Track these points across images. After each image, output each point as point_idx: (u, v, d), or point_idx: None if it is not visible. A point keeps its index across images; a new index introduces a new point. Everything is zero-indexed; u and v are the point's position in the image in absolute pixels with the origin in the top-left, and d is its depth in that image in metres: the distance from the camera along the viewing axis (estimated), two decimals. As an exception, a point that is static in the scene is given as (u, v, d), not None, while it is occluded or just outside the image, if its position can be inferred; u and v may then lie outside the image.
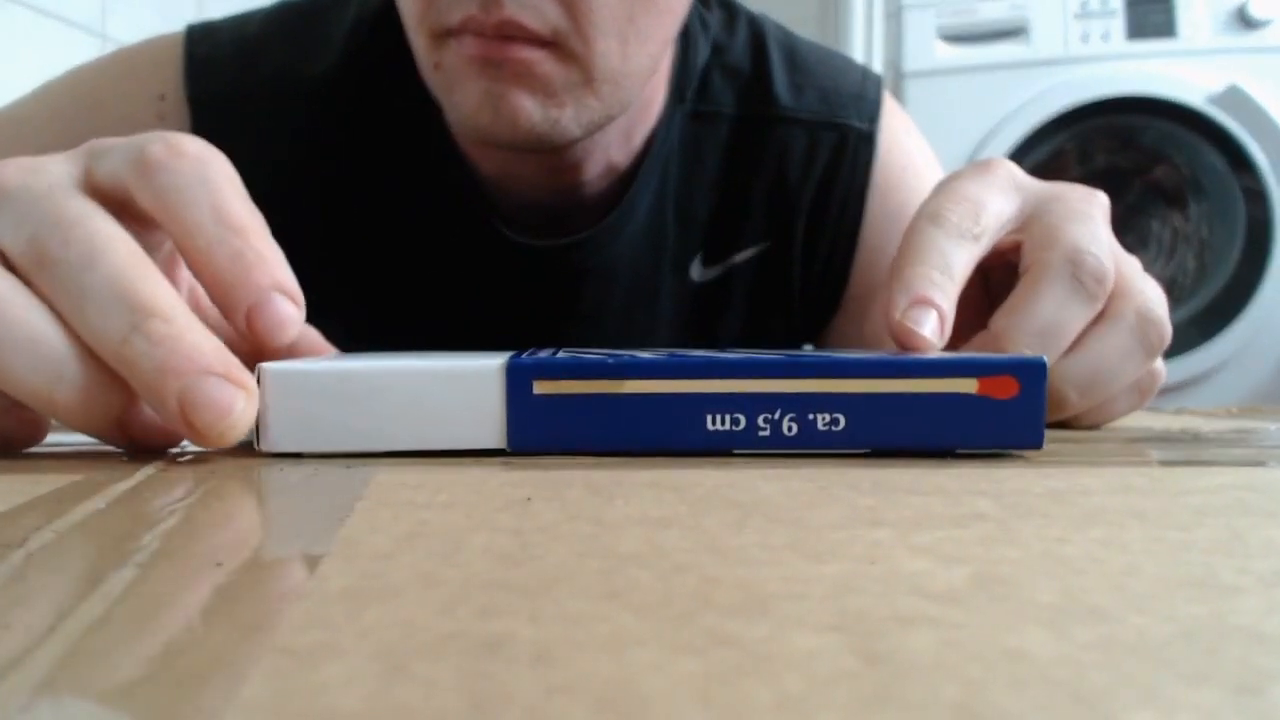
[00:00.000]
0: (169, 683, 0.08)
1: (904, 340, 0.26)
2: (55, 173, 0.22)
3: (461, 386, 0.22)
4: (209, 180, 0.22)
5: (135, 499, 0.16)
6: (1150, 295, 0.29)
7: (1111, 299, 0.28)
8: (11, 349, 0.20)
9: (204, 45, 0.49)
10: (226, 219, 0.21)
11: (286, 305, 0.21)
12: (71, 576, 0.11)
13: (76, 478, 0.18)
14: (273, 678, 0.08)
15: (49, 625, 0.09)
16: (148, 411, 0.21)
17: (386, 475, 0.18)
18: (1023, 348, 0.27)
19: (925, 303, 0.26)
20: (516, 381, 0.22)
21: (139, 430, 0.21)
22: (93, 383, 0.20)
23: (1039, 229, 0.29)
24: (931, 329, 0.26)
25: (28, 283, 0.21)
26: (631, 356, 0.23)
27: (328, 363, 0.22)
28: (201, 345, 0.20)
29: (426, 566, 0.12)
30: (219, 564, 0.12)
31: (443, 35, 0.38)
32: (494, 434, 0.22)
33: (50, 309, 0.20)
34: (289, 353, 0.23)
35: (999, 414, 0.22)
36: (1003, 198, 0.29)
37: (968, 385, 0.23)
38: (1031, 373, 0.22)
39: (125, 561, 0.12)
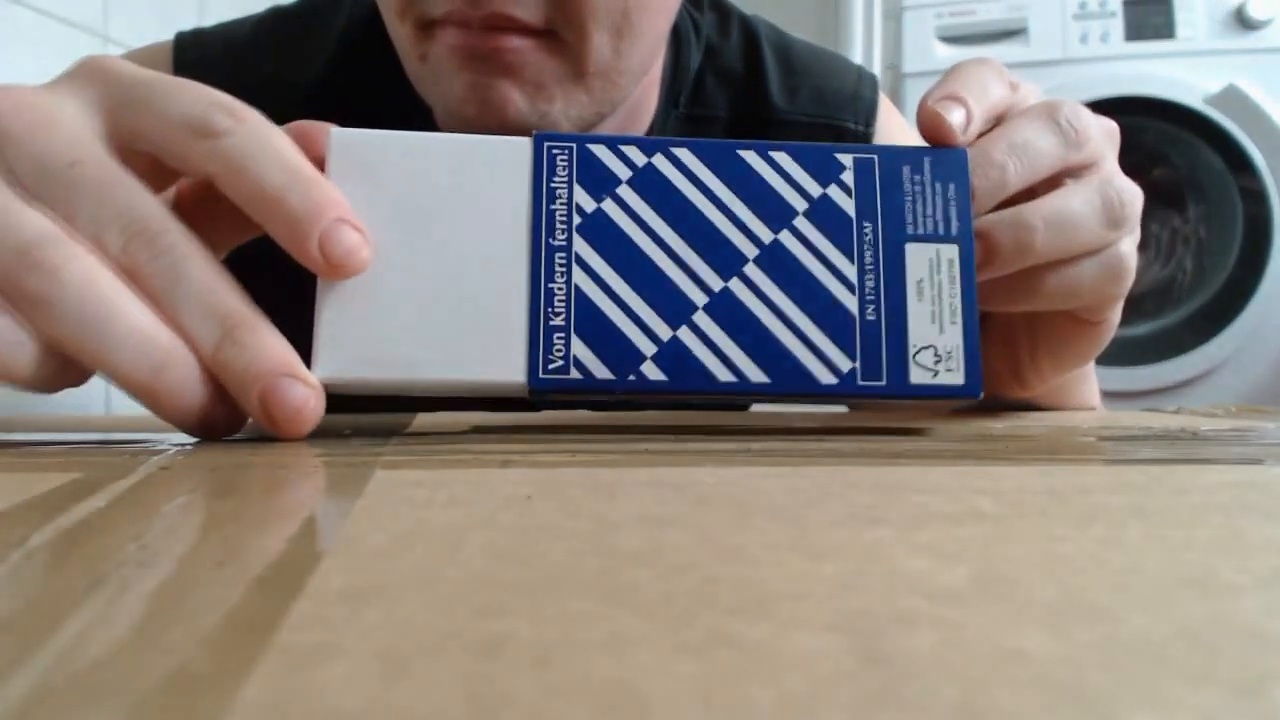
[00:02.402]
0: (169, 683, 0.08)
1: (930, 123, 0.28)
2: (78, 132, 0.23)
3: (490, 388, 0.26)
4: (272, 140, 0.24)
5: (136, 498, 0.16)
6: (1119, 176, 0.31)
7: (1083, 171, 0.30)
8: (121, 341, 0.22)
9: (193, 51, 0.49)
10: (294, 170, 0.24)
11: (354, 234, 0.24)
12: (71, 575, 0.11)
13: (77, 476, 0.18)
14: (273, 678, 0.08)
15: (49, 625, 0.09)
16: (223, 404, 0.24)
17: (386, 474, 0.18)
18: (998, 155, 0.28)
19: (957, 98, 0.28)
20: (539, 392, 0.26)
21: (215, 419, 0.24)
22: (190, 376, 0.23)
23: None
24: (958, 120, 0.28)
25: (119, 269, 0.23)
26: (637, 379, 0.26)
27: (368, 367, 0.25)
28: (280, 350, 0.23)
29: (426, 565, 0.12)
30: (220, 563, 0.12)
31: (427, 25, 0.38)
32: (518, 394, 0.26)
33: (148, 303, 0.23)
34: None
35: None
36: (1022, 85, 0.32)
37: (934, 404, 0.29)
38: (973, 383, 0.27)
39: (125, 561, 0.12)
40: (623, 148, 0.26)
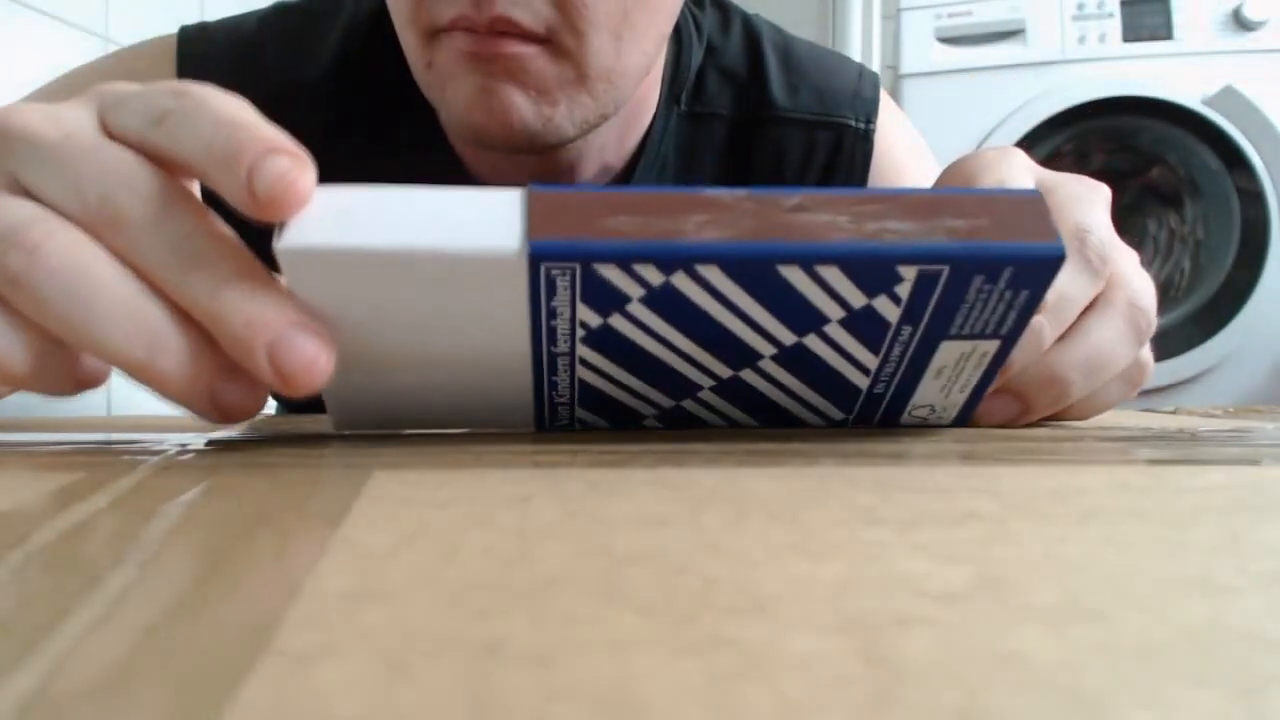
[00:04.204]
0: (167, 685, 0.08)
1: None
2: (77, 120, 0.22)
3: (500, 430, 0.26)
4: (208, 102, 0.22)
5: (136, 498, 0.16)
6: (1139, 285, 0.30)
7: (1105, 286, 0.29)
8: (110, 320, 0.20)
9: (197, 46, 0.49)
10: (222, 119, 0.21)
11: (283, 159, 0.21)
12: (71, 576, 0.11)
13: (77, 476, 0.18)
14: (271, 680, 0.08)
15: (48, 625, 0.09)
16: (234, 381, 0.22)
17: (385, 474, 0.18)
18: (1034, 317, 0.27)
19: None
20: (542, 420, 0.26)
21: (228, 399, 0.22)
22: (190, 350, 0.21)
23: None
24: None
25: (98, 240, 0.21)
26: (635, 427, 0.26)
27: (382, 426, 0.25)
28: (282, 301, 0.21)
29: (426, 566, 0.12)
30: (217, 564, 0.12)
31: (434, 33, 0.38)
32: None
33: (133, 272, 0.21)
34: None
35: None
36: (1028, 181, 0.31)
37: None
38: None
39: (125, 561, 0.12)
40: (637, 267, 0.21)
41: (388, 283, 0.21)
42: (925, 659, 0.09)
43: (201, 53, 0.49)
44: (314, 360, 0.21)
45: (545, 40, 0.38)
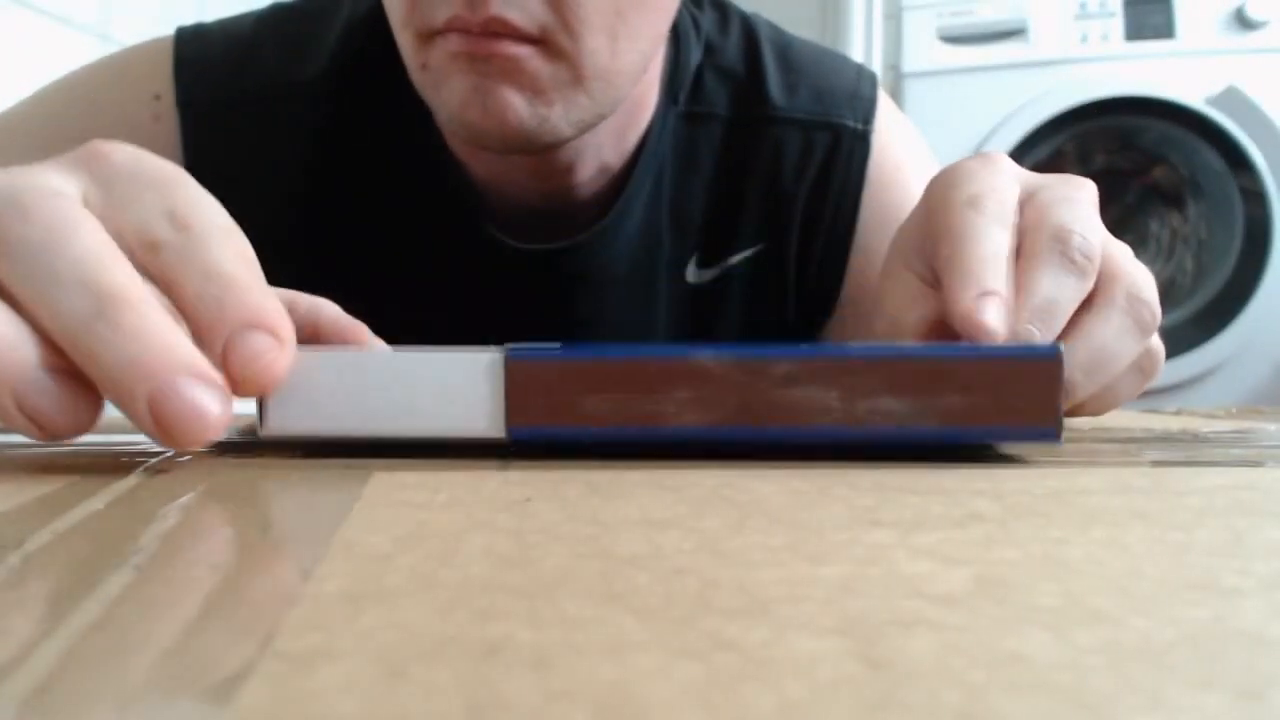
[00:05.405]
0: (166, 686, 0.08)
1: (973, 332, 0.26)
2: (54, 209, 0.20)
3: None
4: (206, 249, 0.20)
5: (134, 500, 0.16)
6: (1138, 277, 0.29)
7: (1101, 282, 0.29)
8: None
9: (193, 47, 0.49)
10: (212, 276, 0.20)
11: (261, 339, 0.19)
12: (69, 578, 0.11)
13: (75, 478, 0.18)
14: (270, 681, 0.08)
15: (46, 628, 0.09)
16: (53, 384, 0.19)
17: (385, 475, 0.18)
18: (1024, 325, 0.27)
19: (991, 293, 0.26)
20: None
21: (39, 407, 0.18)
22: (60, 395, 0.18)
23: (1029, 214, 0.29)
24: (998, 318, 0.26)
25: None
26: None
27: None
28: (174, 341, 0.18)
29: (425, 568, 0.12)
30: (216, 566, 0.12)
31: (429, 35, 0.38)
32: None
33: (9, 303, 0.19)
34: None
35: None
36: (1012, 186, 0.30)
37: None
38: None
39: (123, 563, 0.12)
40: (615, 444, 0.22)
41: (370, 437, 0.22)
42: (926, 660, 0.08)
43: (198, 54, 0.49)
44: (203, 412, 0.18)
45: (540, 41, 0.38)
